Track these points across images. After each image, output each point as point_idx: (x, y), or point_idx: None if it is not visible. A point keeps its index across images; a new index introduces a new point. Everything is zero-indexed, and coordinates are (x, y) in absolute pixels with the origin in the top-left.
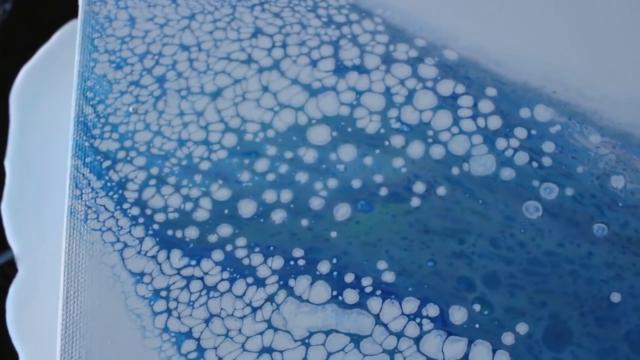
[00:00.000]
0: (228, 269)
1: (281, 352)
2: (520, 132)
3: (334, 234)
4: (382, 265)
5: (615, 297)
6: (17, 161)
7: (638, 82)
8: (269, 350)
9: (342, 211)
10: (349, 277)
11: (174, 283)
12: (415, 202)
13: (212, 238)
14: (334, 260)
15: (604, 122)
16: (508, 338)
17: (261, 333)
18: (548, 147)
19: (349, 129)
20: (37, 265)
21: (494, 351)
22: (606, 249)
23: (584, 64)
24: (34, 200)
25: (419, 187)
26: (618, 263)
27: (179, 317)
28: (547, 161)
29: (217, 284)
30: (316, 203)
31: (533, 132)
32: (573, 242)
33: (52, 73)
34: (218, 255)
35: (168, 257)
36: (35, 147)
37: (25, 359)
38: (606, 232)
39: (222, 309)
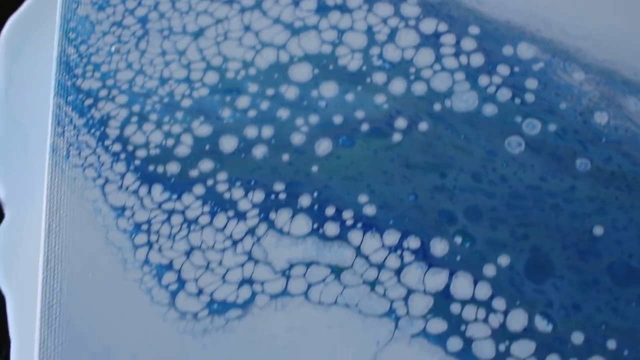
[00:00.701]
0: (209, 202)
1: (261, 283)
2: (503, 69)
3: (315, 169)
4: (363, 198)
5: (598, 231)
6: (3, 110)
7: (622, 20)
8: (249, 281)
9: (324, 146)
10: (330, 210)
11: (155, 217)
12: (396, 137)
13: (194, 173)
14: (315, 194)
15: (587, 60)
16: (489, 270)
17: (242, 265)
18: (531, 83)
19: (331, 67)
20: (23, 210)
21: (475, 282)
22: (589, 183)
23: (567, 1)
24: (20, 148)
25: (401, 122)
26: (601, 197)
27: (159, 250)
28: (529, 97)
29: (198, 217)
30: (297, 138)
31: (516, 69)
32: (556, 176)
33: (39, 24)
34: (199, 189)
35: (149, 192)
36: (22, 97)
37: (12, 301)
38: (589, 167)
39: (202, 241)
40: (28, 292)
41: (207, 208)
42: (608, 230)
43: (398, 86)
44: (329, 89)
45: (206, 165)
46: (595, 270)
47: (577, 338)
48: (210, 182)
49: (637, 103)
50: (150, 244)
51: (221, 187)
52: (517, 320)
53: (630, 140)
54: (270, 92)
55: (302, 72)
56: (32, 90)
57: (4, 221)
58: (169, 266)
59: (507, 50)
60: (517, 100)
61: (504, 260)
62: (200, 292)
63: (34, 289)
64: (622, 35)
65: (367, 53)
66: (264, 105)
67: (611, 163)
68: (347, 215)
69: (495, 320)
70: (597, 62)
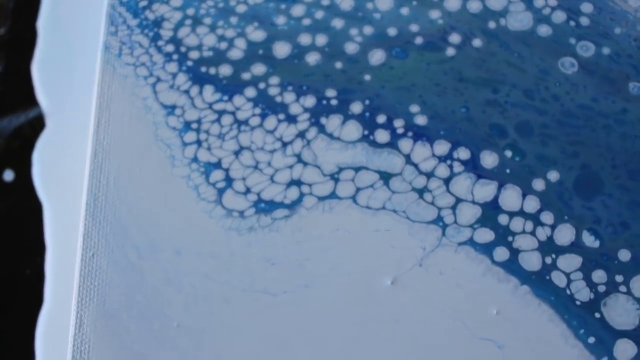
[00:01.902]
0: (260, 105)
1: (310, 185)
2: None
3: (367, 77)
4: (414, 108)
5: None
6: (50, 24)
7: None
8: (297, 182)
9: (377, 56)
10: (381, 118)
11: (205, 116)
12: (450, 51)
13: (246, 76)
14: (367, 102)
15: None
16: (539, 184)
17: (290, 167)
18: (586, 7)
19: None
20: (64, 121)
21: (523, 195)
22: None
23: None
24: (65, 59)
25: (455, 38)
26: None
27: (208, 149)
28: (584, 21)
29: (248, 118)
30: (351, 47)
31: None
32: (608, 98)
33: None
34: (251, 92)
35: (200, 92)
36: (68, 12)
37: (49, 209)
38: None
39: (252, 142)
40: (65, 202)
41: (258, 110)
42: None
43: (453, 3)
44: (384, 2)
45: (259, 69)
46: None
47: (624, 255)
48: (262, 86)
49: None
50: (199, 142)
51: (273, 91)
52: (565, 234)
53: None
54: (325, 2)
55: None
56: (79, 6)
57: (45, 131)
58: (218, 164)
59: None
60: (572, 23)
61: (553, 175)
62: (247, 190)
63: (71, 198)
64: None
65: None
66: (319, 14)
67: None
68: (398, 123)
69: (542, 233)
70: None
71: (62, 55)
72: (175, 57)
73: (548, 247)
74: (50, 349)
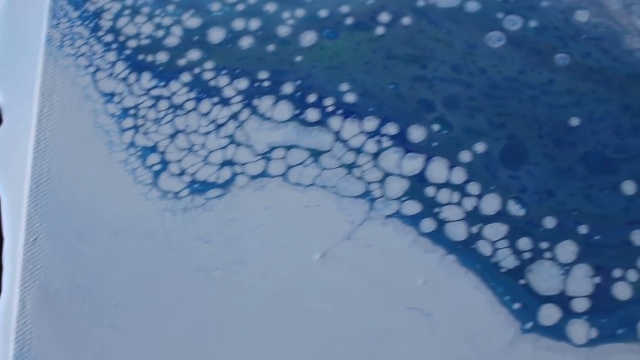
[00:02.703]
0: (195, 89)
1: (242, 165)
2: None
3: (299, 59)
4: (344, 87)
5: (575, 122)
6: (5, 18)
7: None
8: (230, 163)
9: (308, 38)
10: (312, 98)
11: (142, 102)
12: (379, 30)
13: (182, 62)
14: (298, 82)
15: None
16: (465, 156)
17: (224, 148)
18: None
19: None
20: (21, 115)
21: (451, 167)
22: (567, 77)
23: None
24: (20, 54)
25: (385, 17)
26: (579, 90)
27: (145, 133)
28: None
29: (184, 103)
30: (283, 31)
31: None
32: (535, 70)
33: None
34: (186, 77)
35: (138, 79)
36: (23, 5)
37: (7, 201)
38: (568, 62)
39: (187, 125)
40: (22, 194)
41: (193, 95)
42: (584, 122)
43: None
44: None
45: (194, 54)
46: (570, 159)
47: (550, 222)
48: (197, 71)
49: (618, 2)
50: (137, 128)
51: (208, 75)
52: (491, 204)
53: (610, 37)
54: None
55: None
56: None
57: (2, 126)
58: (154, 148)
59: None
60: None
61: (480, 147)
62: (182, 172)
63: (27, 190)
64: None
65: None
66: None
67: (590, 58)
68: (329, 102)
69: (469, 203)
70: None
71: (12, 51)
72: (114, 46)
73: (474, 217)
74: (7, 339)
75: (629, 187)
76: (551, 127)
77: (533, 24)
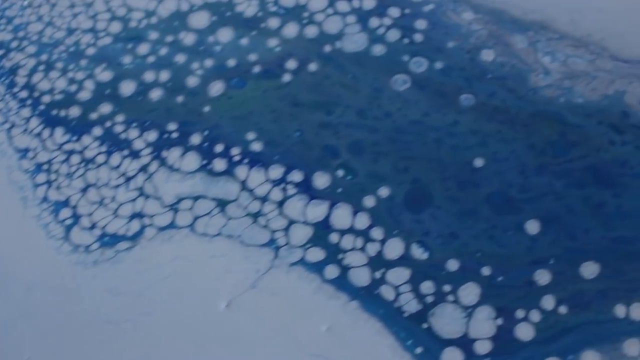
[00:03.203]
0: (106, 142)
1: (150, 216)
2: (394, 12)
3: (207, 109)
4: (250, 136)
5: (479, 162)
6: None
7: None
8: (139, 215)
9: (216, 88)
10: (219, 147)
11: (55, 157)
12: (286, 77)
13: (93, 116)
14: (206, 132)
15: (478, 1)
16: (369, 201)
17: (133, 200)
18: (420, 24)
19: (228, 14)
20: None
21: (354, 213)
22: (472, 117)
23: None
24: None
25: (291, 64)
26: (483, 131)
27: (58, 188)
28: (418, 37)
29: (95, 156)
30: (192, 81)
31: (406, 11)
32: (439, 111)
33: None
34: (98, 130)
35: (51, 134)
36: None
37: None
38: (473, 102)
39: (98, 179)
40: None
41: (104, 148)
42: (488, 162)
43: (291, 30)
44: (225, 34)
45: (105, 108)
46: (473, 200)
47: (452, 265)
48: (108, 124)
49: (523, 40)
50: (49, 182)
51: (118, 128)
52: (394, 248)
53: (515, 76)
54: (169, 38)
55: (200, 20)
56: None
57: None
58: (66, 202)
59: None
60: (406, 40)
61: (384, 191)
62: (93, 226)
63: None
64: None
65: (263, 0)
66: (163, 51)
67: (495, 97)
68: (235, 151)
69: (372, 248)
70: (486, 3)
71: None
72: (29, 102)
73: (377, 262)
74: None
75: (532, 226)
76: (455, 168)
77: (438, 65)
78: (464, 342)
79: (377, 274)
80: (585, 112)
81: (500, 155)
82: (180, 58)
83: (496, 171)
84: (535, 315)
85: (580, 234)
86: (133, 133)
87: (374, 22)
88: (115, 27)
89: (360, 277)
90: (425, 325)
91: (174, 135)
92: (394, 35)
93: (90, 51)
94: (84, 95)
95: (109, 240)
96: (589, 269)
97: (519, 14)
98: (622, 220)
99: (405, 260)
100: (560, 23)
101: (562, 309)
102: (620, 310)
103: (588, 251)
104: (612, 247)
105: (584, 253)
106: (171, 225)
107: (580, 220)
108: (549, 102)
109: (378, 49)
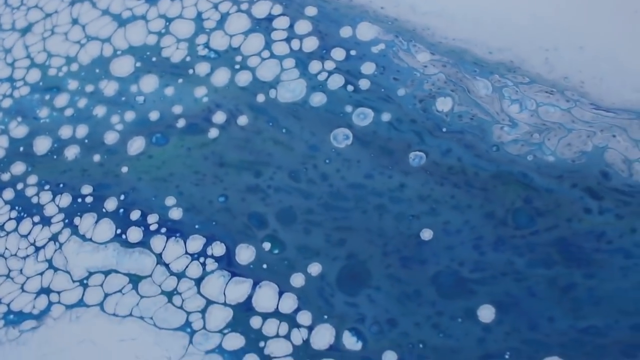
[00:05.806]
0: (17, 207)
1: (58, 292)
2: (338, 54)
3: (124, 169)
4: (170, 201)
5: (427, 235)
6: None
7: None
8: (47, 291)
9: (136, 145)
10: (135, 214)
11: None
12: (213, 133)
13: (5, 177)
14: (122, 197)
15: (436, 39)
16: (298, 280)
17: (41, 273)
18: (367, 68)
19: (154, 59)
20: None
21: (280, 294)
22: (421, 180)
23: None
24: None
25: (219, 117)
26: (434, 196)
27: None
28: (364, 84)
29: (4, 223)
30: (111, 137)
31: (352, 52)
32: (384, 172)
33: None
34: (9, 194)
35: None
36: None
37: None
38: (424, 161)
39: (6, 248)
40: None
41: (14, 213)
42: (438, 234)
43: (221, 77)
44: (148, 83)
45: (18, 168)
46: (418, 280)
47: (390, 357)
48: (20, 186)
49: (487, 86)
50: None
51: (30, 191)
52: (323, 336)
53: (475, 129)
54: (89, 88)
55: (123, 66)
56: None
57: None
58: None
59: (346, 31)
60: (350, 88)
61: (314, 269)
62: None
63: None
64: (479, 9)
65: (193, 42)
66: (82, 102)
67: (450, 156)
68: (152, 219)
69: (298, 336)
70: (446, 40)
71: None
72: None
73: (304, 352)
74: None
75: (485, 313)
76: (398, 241)
77: (386, 117)
78: None
79: None
80: (557, 172)
81: (452, 226)
82: (99, 110)
83: (446, 245)
84: None
85: (543, 323)
86: (45, 197)
87: (314, 66)
88: (34, 75)
89: None
90: None
91: (88, 199)
92: (336, 81)
93: (7, 103)
94: None
95: (13, 318)
96: None
97: (483, 54)
98: (594, 306)
99: (335, 351)
100: (532, 63)
101: None
102: None
103: (552, 344)
104: (580, 340)
105: (546, 346)
106: (80, 303)
107: (543, 306)
108: (514, 161)
109: (317, 99)
